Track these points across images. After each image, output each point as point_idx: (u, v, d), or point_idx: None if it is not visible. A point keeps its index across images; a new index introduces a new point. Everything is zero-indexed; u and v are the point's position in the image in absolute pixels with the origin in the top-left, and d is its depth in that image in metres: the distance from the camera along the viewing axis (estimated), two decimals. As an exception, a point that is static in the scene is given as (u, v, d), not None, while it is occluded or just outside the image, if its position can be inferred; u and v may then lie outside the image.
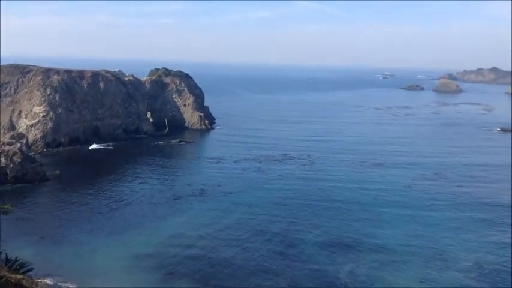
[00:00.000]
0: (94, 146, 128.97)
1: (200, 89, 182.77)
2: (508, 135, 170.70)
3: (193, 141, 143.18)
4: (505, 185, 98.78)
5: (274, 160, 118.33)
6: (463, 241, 67.94)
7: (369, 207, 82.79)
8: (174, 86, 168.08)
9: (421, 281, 56.29)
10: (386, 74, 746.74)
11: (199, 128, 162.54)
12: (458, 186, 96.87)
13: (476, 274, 57.91)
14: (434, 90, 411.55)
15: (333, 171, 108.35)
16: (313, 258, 61.60)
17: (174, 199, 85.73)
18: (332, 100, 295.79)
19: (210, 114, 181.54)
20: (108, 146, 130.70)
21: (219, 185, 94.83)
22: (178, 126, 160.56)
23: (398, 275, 57.64)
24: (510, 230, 73.07)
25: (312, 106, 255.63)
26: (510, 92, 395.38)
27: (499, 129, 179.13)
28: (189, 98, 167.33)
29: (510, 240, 68.58)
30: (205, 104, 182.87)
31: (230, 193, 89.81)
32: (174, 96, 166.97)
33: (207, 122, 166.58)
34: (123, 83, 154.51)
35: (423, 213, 79.68)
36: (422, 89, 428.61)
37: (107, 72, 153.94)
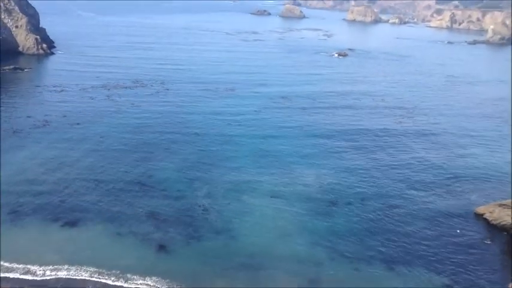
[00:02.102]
0: None
1: (34, 8, 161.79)
2: (344, 59, 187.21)
3: (31, 68, 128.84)
4: (347, 111, 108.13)
5: (125, 88, 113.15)
6: (306, 162, 74.28)
7: (223, 134, 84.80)
8: (2, 5, 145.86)
9: (272, 197, 61.26)
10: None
11: (36, 52, 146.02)
12: (303, 111, 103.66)
13: (317, 187, 64.83)
14: (280, 16, 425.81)
15: (188, 99, 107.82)
16: (173, 187, 62.30)
17: (14, 132, 77.74)
18: (183, 24, 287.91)
19: (48, 37, 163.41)
20: None
21: (64, 116, 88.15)
22: (10, 51, 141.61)
23: (252, 194, 61.78)
24: (345, 154, 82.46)
25: (163, 30, 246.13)
26: (347, 18, 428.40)
27: (336, 55, 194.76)
28: (21, 19, 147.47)
29: (343, 163, 77.71)
30: (41, 26, 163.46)
31: (78, 124, 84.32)
32: (3, 17, 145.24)
33: (45, 46, 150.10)
34: None
35: (272, 139, 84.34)
36: (270, 14, 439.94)
37: None
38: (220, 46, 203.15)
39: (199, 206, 57.54)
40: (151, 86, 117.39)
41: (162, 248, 48.69)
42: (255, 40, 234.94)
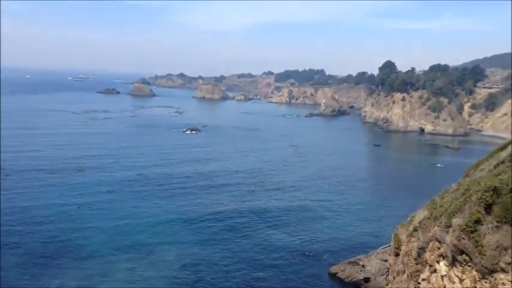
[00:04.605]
0: None
1: None
2: (197, 134, 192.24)
3: None
4: (204, 191, 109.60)
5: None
6: (164, 245, 71.75)
7: (72, 223, 78.28)
8: None
9: (130, 282, 57.60)
10: (81, 77, 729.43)
11: None
12: (158, 194, 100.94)
13: (178, 268, 62.97)
14: (129, 94, 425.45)
15: (30, 189, 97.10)
16: (15, 286, 54.95)
17: None
18: (24, 106, 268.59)
19: None
20: None
21: None
22: None
23: (107, 281, 57.42)
24: (204, 235, 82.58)
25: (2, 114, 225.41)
26: (197, 96, 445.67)
27: (189, 131, 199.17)
28: None
29: (201, 244, 77.62)
30: None
31: None
32: None
33: None
34: None
35: (126, 224, 79.53)
36: (119, 92, 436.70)
37: None
38: (67, 128, 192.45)
39: (48, 305, 51.42)
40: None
41: None
42: (105, 119, 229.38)
